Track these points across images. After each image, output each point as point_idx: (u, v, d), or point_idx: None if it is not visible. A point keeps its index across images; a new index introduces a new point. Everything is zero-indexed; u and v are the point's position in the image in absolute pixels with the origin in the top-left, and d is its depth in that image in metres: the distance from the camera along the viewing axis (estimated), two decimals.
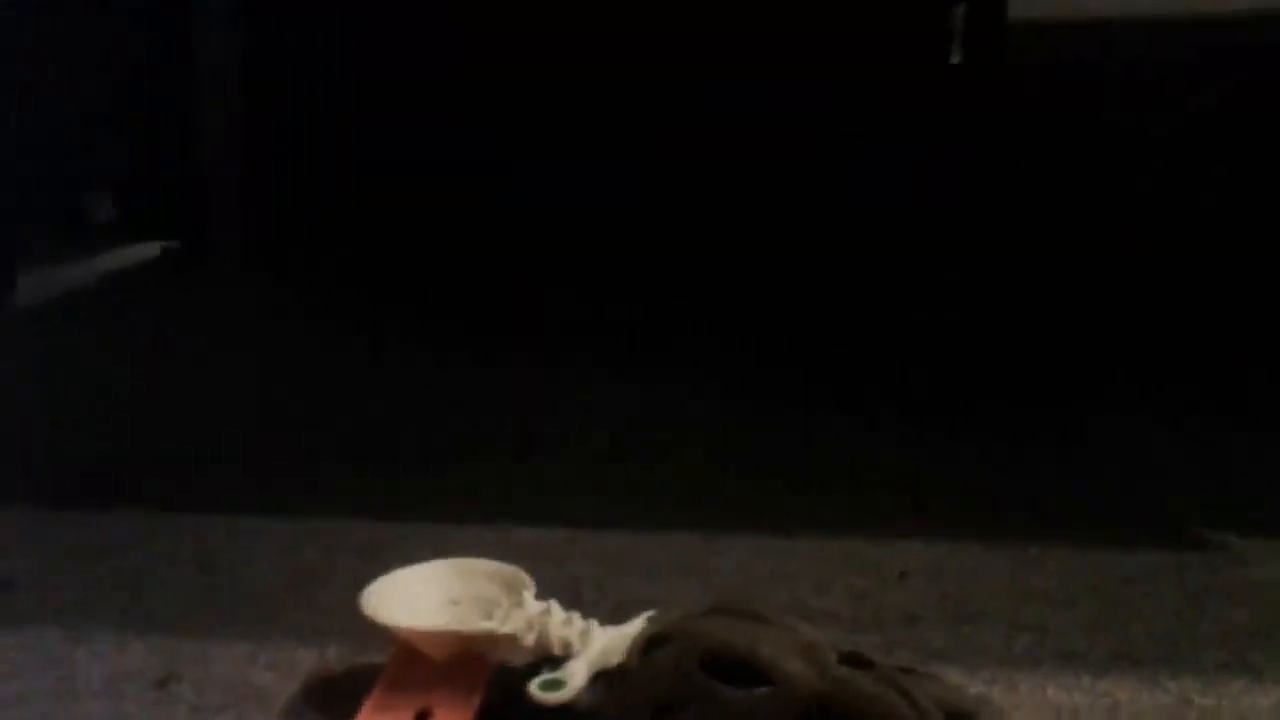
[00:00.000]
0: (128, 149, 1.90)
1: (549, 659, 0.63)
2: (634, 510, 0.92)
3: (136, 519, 0.92)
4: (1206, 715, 0.68)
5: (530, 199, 1.66)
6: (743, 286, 1.49)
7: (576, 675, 0.61)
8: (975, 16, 1.69)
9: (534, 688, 0.60)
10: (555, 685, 0.60)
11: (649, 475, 0.99)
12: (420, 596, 0.69)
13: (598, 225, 1.62)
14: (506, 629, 0.65)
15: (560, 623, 0.65)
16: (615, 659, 0.62)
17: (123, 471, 1.02)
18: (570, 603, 0.68)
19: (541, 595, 0.68)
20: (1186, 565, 0.84)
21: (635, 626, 0.63)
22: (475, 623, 0.66)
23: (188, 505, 0.94)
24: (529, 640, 0.64)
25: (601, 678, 0.61)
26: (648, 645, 0.59)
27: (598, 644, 0.63)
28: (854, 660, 0.56)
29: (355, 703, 0.67)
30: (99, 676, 0.71)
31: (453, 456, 1.02)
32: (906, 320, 1.38)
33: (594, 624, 0.64)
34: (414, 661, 0.68)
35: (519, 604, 0.66)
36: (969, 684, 0.68)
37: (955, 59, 1.68)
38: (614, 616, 0.67)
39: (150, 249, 1.96)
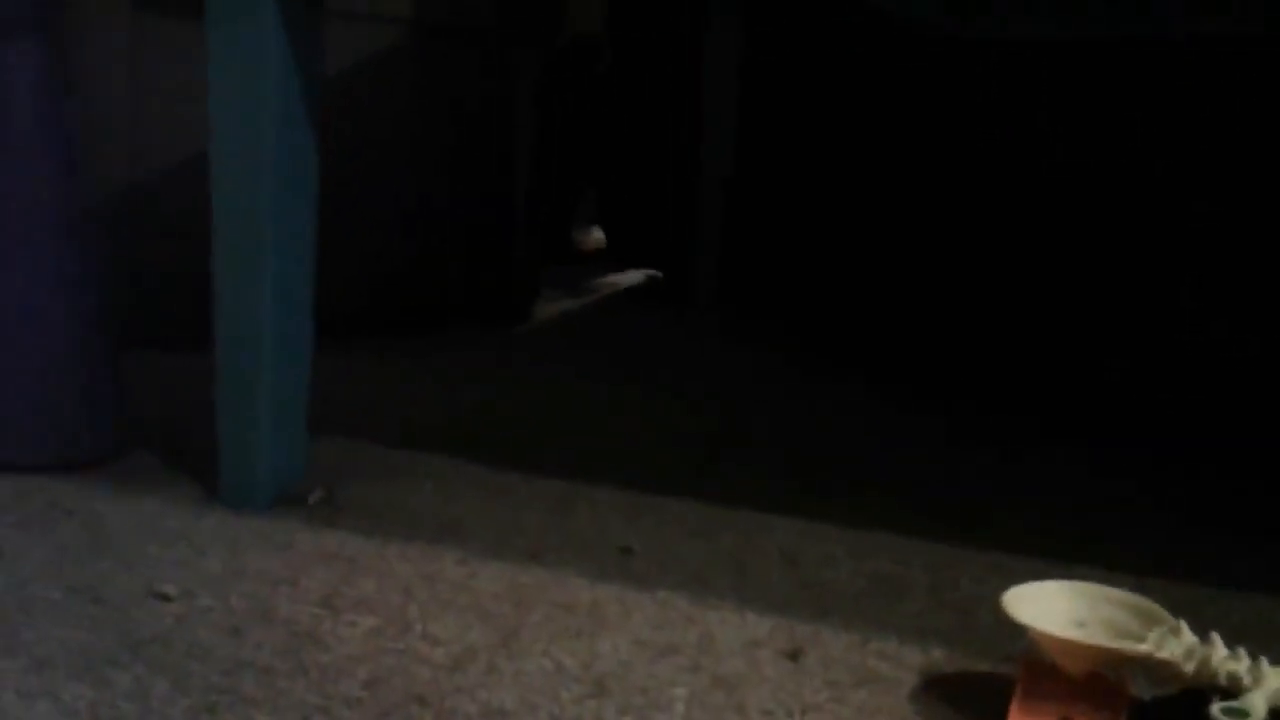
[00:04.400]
0: (620, 197, 2.08)
1: (1215, 690, 0.63)
2: None
3: (715, 511, 0.99)
4: None
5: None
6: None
7: (1259, 708, 0.60)
8: None
9: (1216, 712, 0.60)
10: (1239, 714, 0.60)
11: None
12: (1049, 611, 0.71)
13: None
14: (1164, 654, 0.65)
15: (1225, 656, 0.64)
16: None
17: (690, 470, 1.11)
18: None
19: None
20: None
21: None
22: (1126, 643, 0.67)
23: (755, 506, 1.01)
24: (1189, 668, 0.64)
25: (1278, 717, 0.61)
26: None
27: (1273, 682, 0.62)
28: None
29: (974, 700, 0.69)
30: (735, 639, 0.77)
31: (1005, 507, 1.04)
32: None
33: (1264, 661, 0.64)
34: (1047, 673, 0.70)
35: (1173, 632, 0.67)
36: None
37: None
38: None
39: (635, 276, 2.12)
